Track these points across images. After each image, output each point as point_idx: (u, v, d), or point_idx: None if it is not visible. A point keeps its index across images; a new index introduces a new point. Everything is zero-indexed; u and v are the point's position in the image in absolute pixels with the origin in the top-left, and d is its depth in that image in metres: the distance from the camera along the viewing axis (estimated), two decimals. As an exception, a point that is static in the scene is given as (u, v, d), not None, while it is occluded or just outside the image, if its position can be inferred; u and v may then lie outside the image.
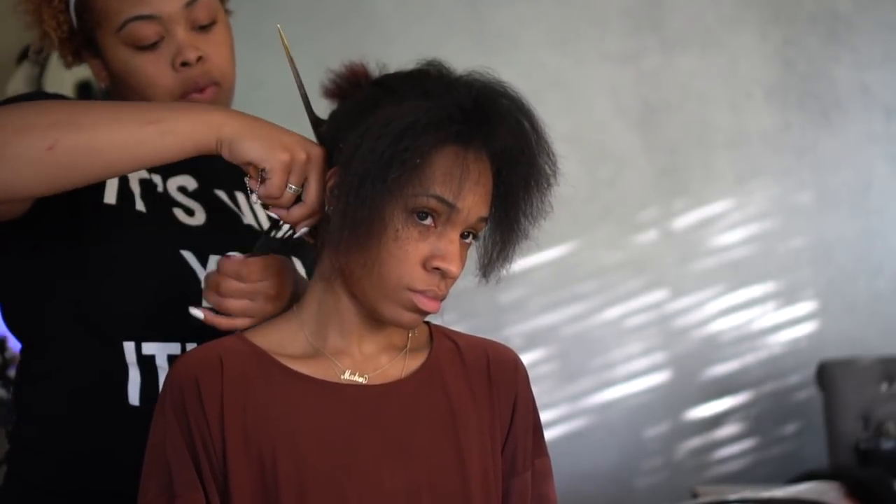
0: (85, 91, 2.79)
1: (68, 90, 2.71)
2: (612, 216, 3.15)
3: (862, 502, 2.42)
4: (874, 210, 3.26)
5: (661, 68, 3.20)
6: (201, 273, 1.30)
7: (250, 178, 1.12)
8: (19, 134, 1.09)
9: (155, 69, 1.31)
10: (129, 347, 1.27)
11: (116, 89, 1.38)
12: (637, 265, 3.18)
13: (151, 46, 1.31)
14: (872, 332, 3.22)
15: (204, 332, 1.26)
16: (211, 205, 1.37)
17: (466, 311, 2.89)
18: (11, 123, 1.10)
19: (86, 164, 1.12)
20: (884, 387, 2.92)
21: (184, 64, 1.31)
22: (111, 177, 1.20)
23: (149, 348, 1.28)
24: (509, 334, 3.07)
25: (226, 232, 1.35)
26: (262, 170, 1.10)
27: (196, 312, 1.18)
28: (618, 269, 3.16)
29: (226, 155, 1.12)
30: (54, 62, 2.72)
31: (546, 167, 1.11)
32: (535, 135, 1.10)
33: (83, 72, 1.91)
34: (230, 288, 1.16)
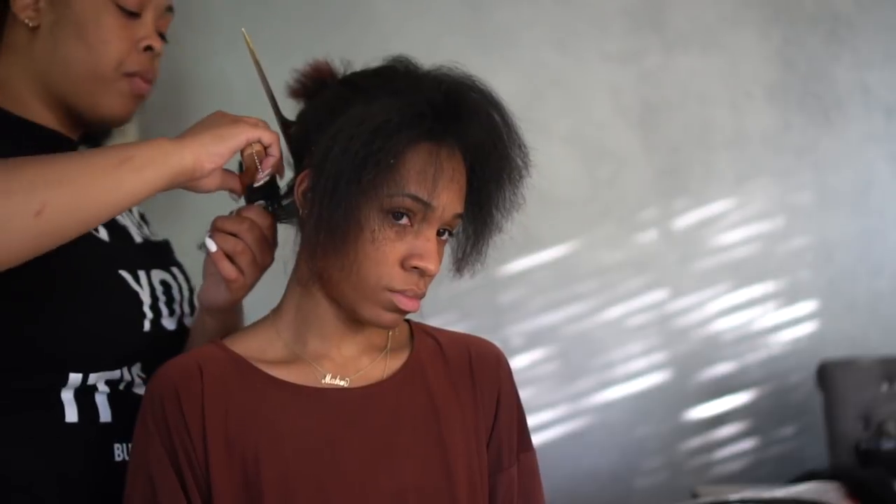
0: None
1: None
2: (612, 216, 3.14)
3: (862, 502, 2.42)
4: (874, 210, 3.25)
5: (661, 68, 3.19)
6: (134, 285, 1.28)
7: (246, 169, 1.12)
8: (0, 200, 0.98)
9: (120, 36, 1.30)
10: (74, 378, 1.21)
11: (52, 35, 1.29)
12: (637, 265, 3.17)
13: (127, 14, 1.30)
14: (872, 332, 3.21)
15: (144, 355, 1.25)
16: (108, 223, 1.34)
17: (466, 311, 2.88)
18: None
19: (75, 221, 1.04)
20: (884, 387, 2.91)
21: (147, 48, 1.32)
22: (92, 227, 1.12)
23: (90, 378, 1.23)
24: (509, 334, 3.06)
25: (125, 245, 1.33)
26: (267, 146, 1.12)
27: (210, 244, 1.16)
28: (618, 269, 3.15)
29: (206, 161, 1.08)
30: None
31: (518, 159, 1.10)
32: (506, 128, 1.09)
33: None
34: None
